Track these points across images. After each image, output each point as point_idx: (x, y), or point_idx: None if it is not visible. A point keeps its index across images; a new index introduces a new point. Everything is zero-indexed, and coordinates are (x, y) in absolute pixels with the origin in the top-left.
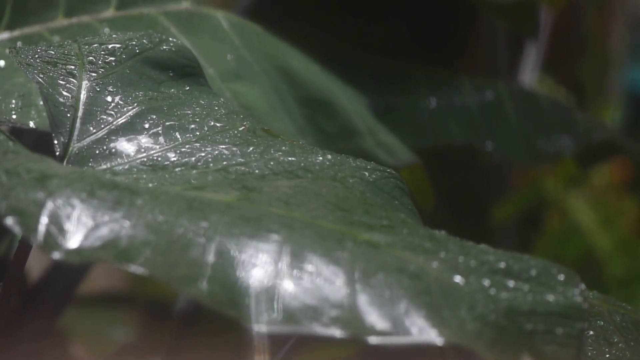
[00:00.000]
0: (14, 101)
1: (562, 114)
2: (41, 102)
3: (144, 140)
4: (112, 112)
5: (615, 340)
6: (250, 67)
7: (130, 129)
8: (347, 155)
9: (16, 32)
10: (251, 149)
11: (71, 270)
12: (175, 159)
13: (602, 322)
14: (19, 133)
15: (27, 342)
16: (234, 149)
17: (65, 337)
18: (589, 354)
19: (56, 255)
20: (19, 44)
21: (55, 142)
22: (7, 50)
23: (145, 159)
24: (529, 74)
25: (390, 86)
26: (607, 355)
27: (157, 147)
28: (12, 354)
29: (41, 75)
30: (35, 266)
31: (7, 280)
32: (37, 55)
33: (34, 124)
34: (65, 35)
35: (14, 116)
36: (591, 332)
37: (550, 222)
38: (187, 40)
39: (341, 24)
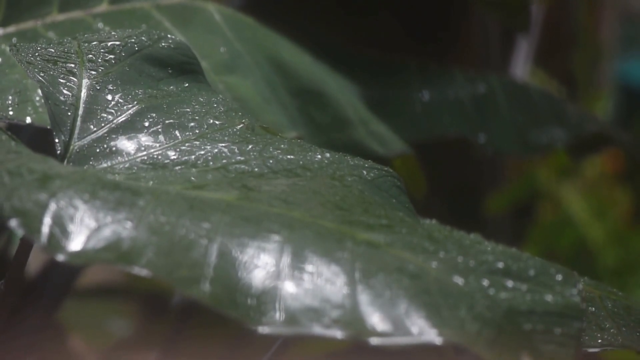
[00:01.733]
0: (10, 97)
1: (554, 105)
2: (37, 98)
3: (144, 139)
4: (113, 111)
5: (607, 325)
6: (243, 59)
7: (130, 128)
8: (341, 149)
9: (11, 28)
10: (250, 147)
11: (69, 264)
12: (175, 157)
13: (593, 308)
14: (15, 129)
15: (26, 335)
16: (233, 147)
17: (63, 330)
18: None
19: (59, 257)
20: (13, 39)
21: (57, 140)
22: (3, 47)
23: (145, 158)
24: (521, 67)
25: (383, 79)
26: (600, 341)
27: (157, 145)
28: (11, 347)
29: (42, 74)
30: (33, 260)
31: (8, 278)
32: (37, 54)
33: (31, 119)
34: (60, 31)
35: (11, 112)
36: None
37: (543, 213)
38: (180, 34)
39: (335, 18)
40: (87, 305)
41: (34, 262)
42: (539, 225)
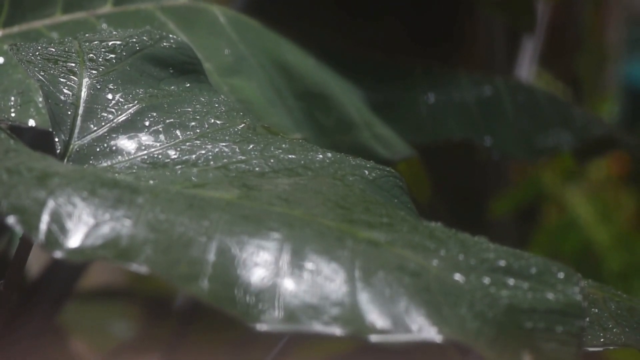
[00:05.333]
0: (12, 98)
1: (560, 108)
2: (40, 99)
3: (145, 138)
4: (113, 110)
5: (610, 326)
6: (247, 61)
7: (131, 127)
8: (346, 152)
9: (14, 29)
10: (251, 146)
11: (70, 266)
12: (175, 156)
13: (596, 310)
14: (17, 129)
15: (27, 338)
16: (234, 146)
17: (65, 332)
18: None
19: (57, 254)
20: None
21: (56, 139)
22: (5, 47)
23: (145, 157)
24: (527, 69)
25: (388, 82)
26: (602, 340)
27: (158, 144)
28: (13, 350)
29: (42, 73)
30: (34, 262)
31: (8, 278)
32: (37, 53)
33: (33, 121)
34: (63, 32)
35: (13, 113)
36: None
37: (548, 217)
38: (184, 35)
39: (339, 21)
40: (88, 307)
41: (35, 265)
42: (544, 228)
